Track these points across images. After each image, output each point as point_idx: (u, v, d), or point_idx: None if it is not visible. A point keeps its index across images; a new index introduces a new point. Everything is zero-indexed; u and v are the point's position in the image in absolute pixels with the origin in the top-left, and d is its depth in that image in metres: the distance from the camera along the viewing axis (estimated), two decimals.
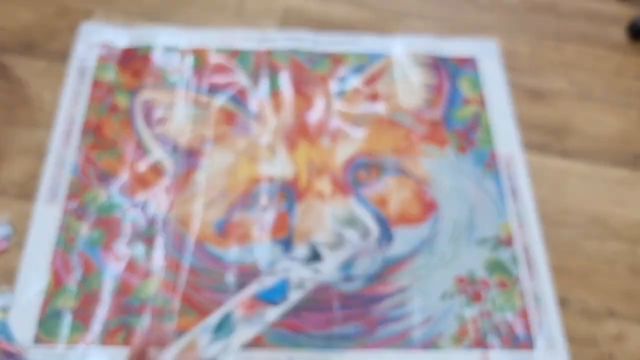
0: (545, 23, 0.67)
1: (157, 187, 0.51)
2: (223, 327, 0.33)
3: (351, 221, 0.41)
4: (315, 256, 0.36)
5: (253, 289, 0.36)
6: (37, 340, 0.43)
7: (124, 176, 0.52)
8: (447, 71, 0.61)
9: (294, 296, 0.35)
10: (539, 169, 0.55)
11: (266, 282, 0.35)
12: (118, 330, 0.44)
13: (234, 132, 0.55)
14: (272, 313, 0.34)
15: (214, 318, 0.34)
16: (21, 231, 0.48)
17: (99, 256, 0.47)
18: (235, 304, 0.35)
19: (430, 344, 0.45)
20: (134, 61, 0.59)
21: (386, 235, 0.49)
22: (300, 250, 0.37)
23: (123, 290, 0.46)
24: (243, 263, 0.48)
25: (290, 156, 0.54)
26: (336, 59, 0.60)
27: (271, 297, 0.35)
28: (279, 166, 0.53)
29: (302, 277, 0.35)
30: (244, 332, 0.34)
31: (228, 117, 0.56)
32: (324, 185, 0.52)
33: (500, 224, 0.51)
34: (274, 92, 0.58)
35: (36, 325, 0.44)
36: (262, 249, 0.48)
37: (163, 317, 0.45)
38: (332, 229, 0.41)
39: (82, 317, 0.44)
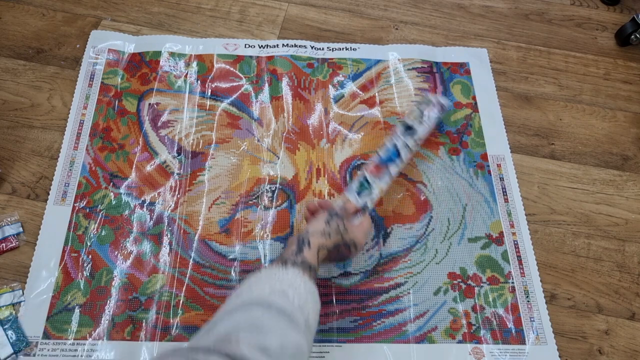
0: (535, 29, 0.69)
1: (163, 187, 0.53)
2: (363, 187, 0.48)
3: (428, 102, 0.54)
4: (409, 129, 0.52)
5: (375, 159, 0.50)
6: (47, 335, 0.45)
7: (132, 177, 0.53)
8: (441, 76, 0.63)
9: (405, 155, 0.50)
10: (528, 170, 0.57)
11: (382, 153, 0.50)
12: (125, 325, 0.46)
13: (236, 135, 0.57)
14: (394, 169, 0.49)
15: (354, 184, 0.48)
16: (32, 230, 0.50)
17: (107, 254, 0.49)
18: (365, 172, 0.49)
19: (424, 338, 0.46)
20: (141, 67, 0.61)
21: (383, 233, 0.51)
22: (399, 127, 0.53)
23: (130, 286, 0.48)
24: (246, 260, 0.50)
25: (291, 158, 0.56)
26: (334, 65, 0.63)
27: (389, 160, 0.49)
28: (280, 167, 0.55)
29: (405, 142, 0.50)
30: (379, 185, 0.48)
31: (231, 121, 0.58)
32: (322, 185, 0.54)
33: (492, 223, 0.53)
34: (275, 97, 0.60)
35: (45, 320, 0.45)
36: (264, 247, 0.50)
37: (169, 312, 0.47)
38: (416, 111, 0.54)
39: (91, 313, 0.46)
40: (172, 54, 0.62)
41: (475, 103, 0.61)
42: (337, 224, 0.41)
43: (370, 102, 0.60)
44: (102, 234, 0.50)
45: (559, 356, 0.46)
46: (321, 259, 0.39)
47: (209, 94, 0.59)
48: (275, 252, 0.50)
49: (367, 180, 0.48)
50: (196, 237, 0.50)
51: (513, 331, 0.47)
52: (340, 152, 0.56)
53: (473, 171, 0.56)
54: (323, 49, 0.64)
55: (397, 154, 0.50)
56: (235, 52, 0.63)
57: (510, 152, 0.58)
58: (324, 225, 0.41)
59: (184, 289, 0.48)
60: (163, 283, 0.48)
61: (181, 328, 0.46)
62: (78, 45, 0.63)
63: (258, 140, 0.57)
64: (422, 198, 0.54)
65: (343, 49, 0.64)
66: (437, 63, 0.64)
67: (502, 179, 0.56)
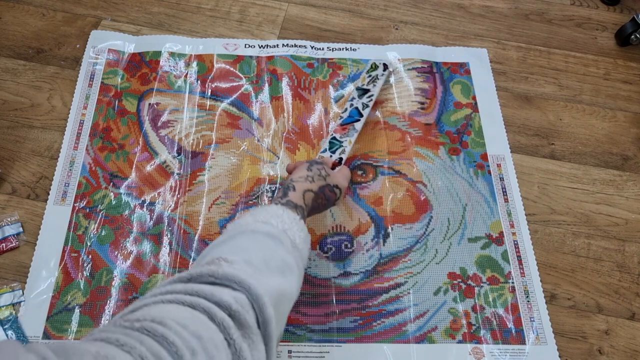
0: (535, 29, 0.69)
1: (163, 187, 0.53)
2: (333, 145, 0.51)
3: (374, 66, 0.59)
4: (365, 92, 0.56)
5: (337, 122, 0.54)
6: (47, 335, 0.45)
7: (132, 177, 0.54)
8: (441, 76, 0.63)
9: (366, 112, 0.54)
10: (528, 170, 0.57)
11: (344, 115, 0.54)
12: None
13: (236, 135, 0.57)
14: (358, 125, 0.53)
15: (325, 145, 0.51)
16: (32, 230, 0.50)
17: (107, 254, 0.49)
18: (332, 133, 0.53)
19: (424, 338, 0.46)
20: (141, 67, 0.61)
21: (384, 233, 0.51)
22: (356, 92, 0.57)
23: (130, 286, 0.48)
24: None
25: (291, 158, 0.56)
26: (334, 65, 0.63)
27: (352, 119, 0.54)
28: (280, 167, 0.55)
29: (363, 103, 0.55)
30: (348, 139, 0.51)
31: (231, 121, 0.58)
32: None
33: (492, 223, 0.53)
34: (275, 97, 0.60)
35: (45, 320, 0.45)
36: None
37: None
38: (367, 77, 0.58)
39: (91, 313, 0.46)
40: (172, 54, 0.62)
41: (475, 103, 0.61)
42: (318, 169, 0.43)
43: None
44: (102, 234, 0.50)
45: (559, 356, 0.46)
46: (308, 202, 0.40)
47: (209, 94, 0.59)
48: None
49: (335, 139, 0.51)
50: (196, 237, 0.50)
51: (513, 331, 0.47)
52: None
53: (473, 171, 0.56)
54: (323, 49, 0.64)
55: (359, 113, 0.54)
56: (235, 52, 0.63)
57: (510, 152, 0.58)
58: (306, 172, 0.42)
59: None
60: None
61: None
62: (78, 45, 0.63)
63: (258, 140, 0.57)
64: (422, 198, 0.54)
65: (343, 49, 0.64)
66: (437, 63, 0.64)
67: (502, 179, 0.56)
